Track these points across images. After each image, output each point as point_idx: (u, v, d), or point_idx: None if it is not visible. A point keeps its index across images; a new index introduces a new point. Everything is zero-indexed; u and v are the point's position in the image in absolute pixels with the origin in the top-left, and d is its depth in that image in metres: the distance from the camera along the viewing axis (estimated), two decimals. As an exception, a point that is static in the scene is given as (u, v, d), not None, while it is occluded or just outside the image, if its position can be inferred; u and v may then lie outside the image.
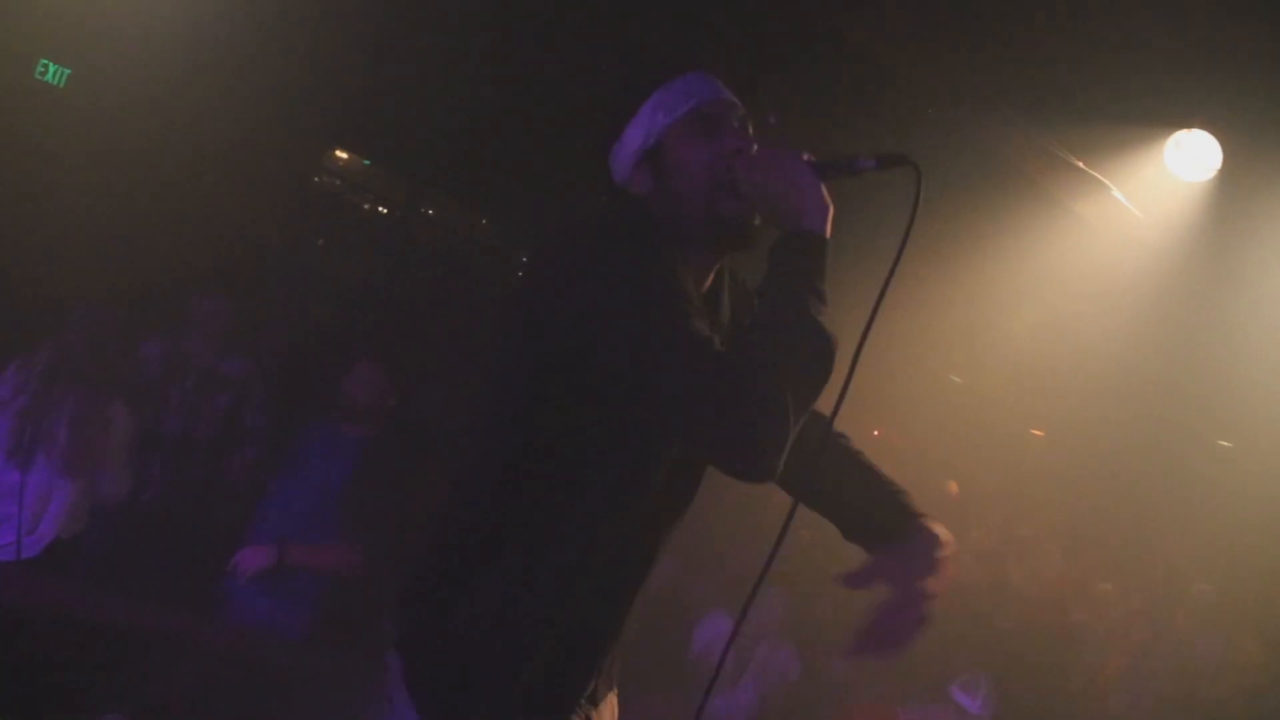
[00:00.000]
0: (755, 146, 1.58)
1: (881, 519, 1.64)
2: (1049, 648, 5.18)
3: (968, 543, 5.60)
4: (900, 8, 3.30)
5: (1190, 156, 3.93)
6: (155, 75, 4.85)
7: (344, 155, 11.68)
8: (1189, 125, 3.91)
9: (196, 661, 3.24)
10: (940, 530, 1.59)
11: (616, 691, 1.74)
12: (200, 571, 3.66)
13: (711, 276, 1.64)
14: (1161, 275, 4.25)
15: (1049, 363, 4.59)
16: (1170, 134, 3.94)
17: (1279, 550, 5.69)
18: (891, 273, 1.48)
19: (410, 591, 1.58)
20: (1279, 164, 3.76)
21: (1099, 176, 4.06)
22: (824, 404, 1.48)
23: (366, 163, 11.75)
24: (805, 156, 1.52)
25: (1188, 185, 3.99)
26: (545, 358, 1.48)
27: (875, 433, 5.57)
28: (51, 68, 5.02)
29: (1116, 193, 4.12)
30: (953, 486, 5.76)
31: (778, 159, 1.51)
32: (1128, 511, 5.75)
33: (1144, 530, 5.76)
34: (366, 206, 11.65)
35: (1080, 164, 4.00)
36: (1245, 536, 5.62)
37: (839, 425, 1.59)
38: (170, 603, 3.45)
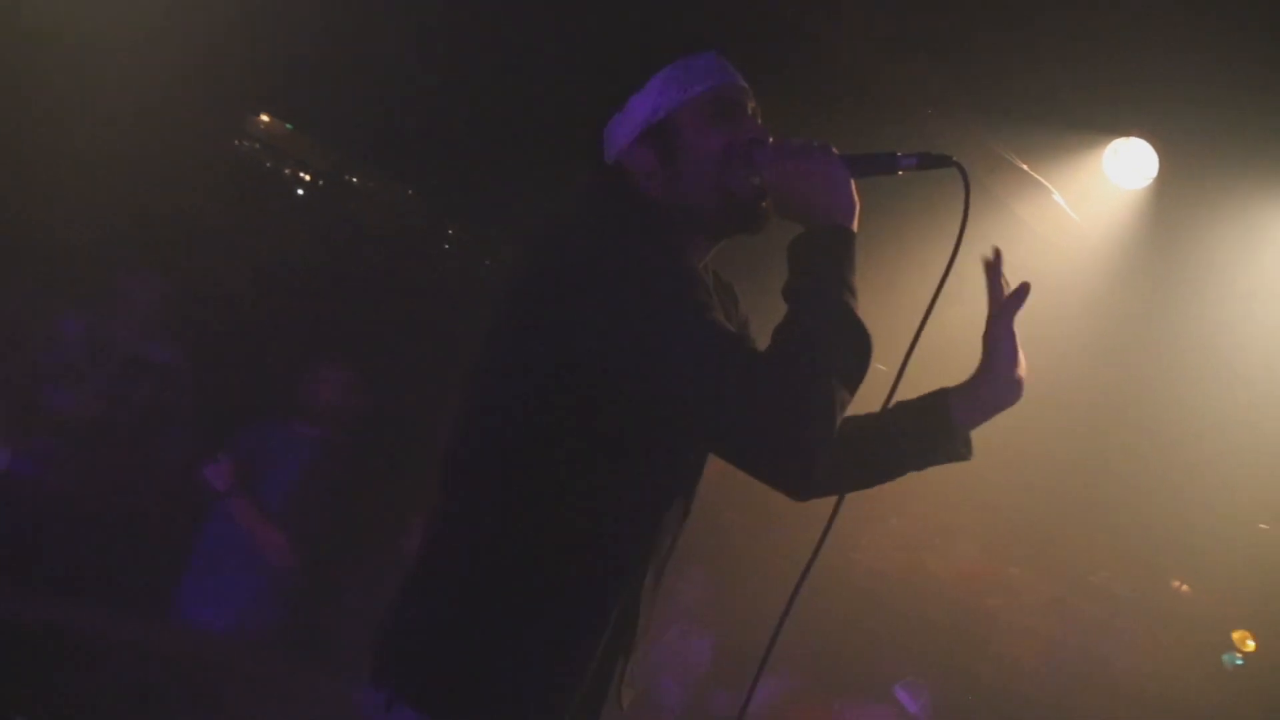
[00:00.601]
0: (771, 138, 1.52)
1: (925, 426, 1.64)
2: (964, 633, 5.37)
3: (887, 531, 5.74)
4: (862, 8, 3.31)
5: (1128, 164, 4.04)
6: (65, 36, 4.57)
7: (266, 119, 11.27)
8: (1127, 134, 4.01)
9: (118, 661, 3.11)
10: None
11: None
12: (119, 565, 3.54)
13: (713, 251, 1.59)
14: (1096, 278, 4.38)
15: (978, 357, 4.66)
16: (1109, 141, 4.04)
17: (1188, 545, 5.98)
18: (946, 274, 1.49)
19: (413, 624, 1.47)
20: (1212, 174, 3.88)
21: (1041, 180, 4.15)
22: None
23: (289, 127, 11.36)
24: (847, 156, 1.48)
25: (1125, 192, 4.11)
26: (559, 361, 1.36)
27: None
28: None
29: (1057, 196, 4.22)
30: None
31: (809, 150, 1.45)
32: (1044, 505, 5.94)
33: (1059, 523, 5.95)
34: (288, 172, 11.29)
35: (1024, 166, 4.07)
36: (1156, 533, 5.86)
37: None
38: (89, 598, 3.33)
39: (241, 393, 4.28)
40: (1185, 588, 8.70)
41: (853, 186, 1.44)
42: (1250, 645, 7.32)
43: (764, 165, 1.47)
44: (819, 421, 1.26)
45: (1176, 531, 6.08)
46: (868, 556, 5.55)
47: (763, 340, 1.36)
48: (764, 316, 1.49)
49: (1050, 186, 4.18)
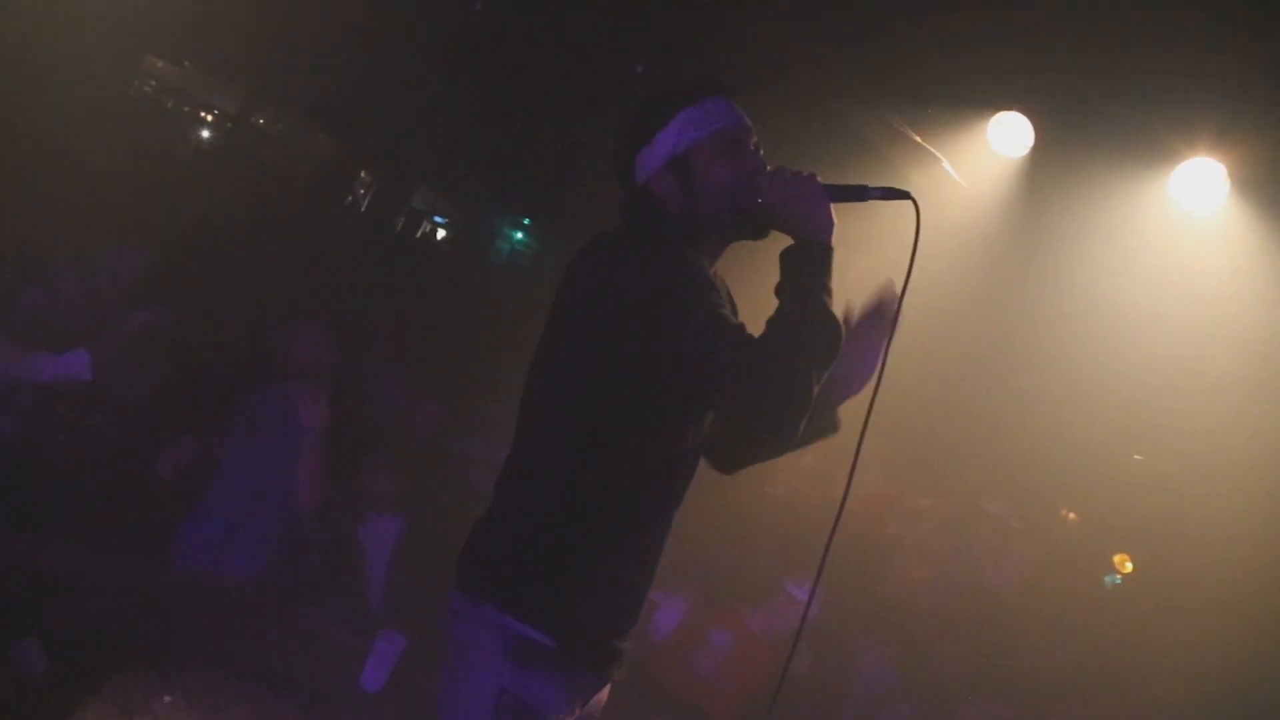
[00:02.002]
0: (768, 166, 1.97)
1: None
2: (868, 556, 5.84)
3: (801, 469, 6.20)
4: (777, 3, 3.73)
5: (1009, 135, 4.59)
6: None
7: (160, 63, 11.04)
8: (1008, 107, 4.55)
9: (120, 598, 3.43)
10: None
11: None
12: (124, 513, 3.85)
13: (719, 262, 2.04)
14: (982, 236, 4.93)
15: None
16: (993, 114, 4.58)
17: (1073, 476, 6.60)
18: (903, 293, 1.95)
19: (495, 537, 1.92)
20: (1081, 144, 4.45)
21: (932, 149, 4.67)
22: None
23: (186, 65, 11.16)
24: (827, 185, 1.90)
25: (1006, 160, 4.67)
26: (616, 344, 1.81)
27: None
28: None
29: (946, 165, 4.75)
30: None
31: (800, 180, 1.89)
32: (941, 440, 6.49)
33: (953, 457, 6.55)
34: (186, 110, 11.14)
35: (917, 138, 4.58)
36: (1043, 466, 6.41)
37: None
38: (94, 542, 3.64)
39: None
40: (1073, 516, 9.43)
41: (831, 210, 1.87)
42: (1129, 567, 8.03)
43: (765, 191, 1.90)
44: (799, 390, 1.71)
45: (1062, 465, 6.67)
46: (781, 491, 6.01)
47: (754, 325, 1.82)
48: (753, 308, 1.94)
49: (940, 156, 4.71)
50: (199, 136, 10.84)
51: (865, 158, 4.64)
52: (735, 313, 2.01)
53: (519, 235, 10.61)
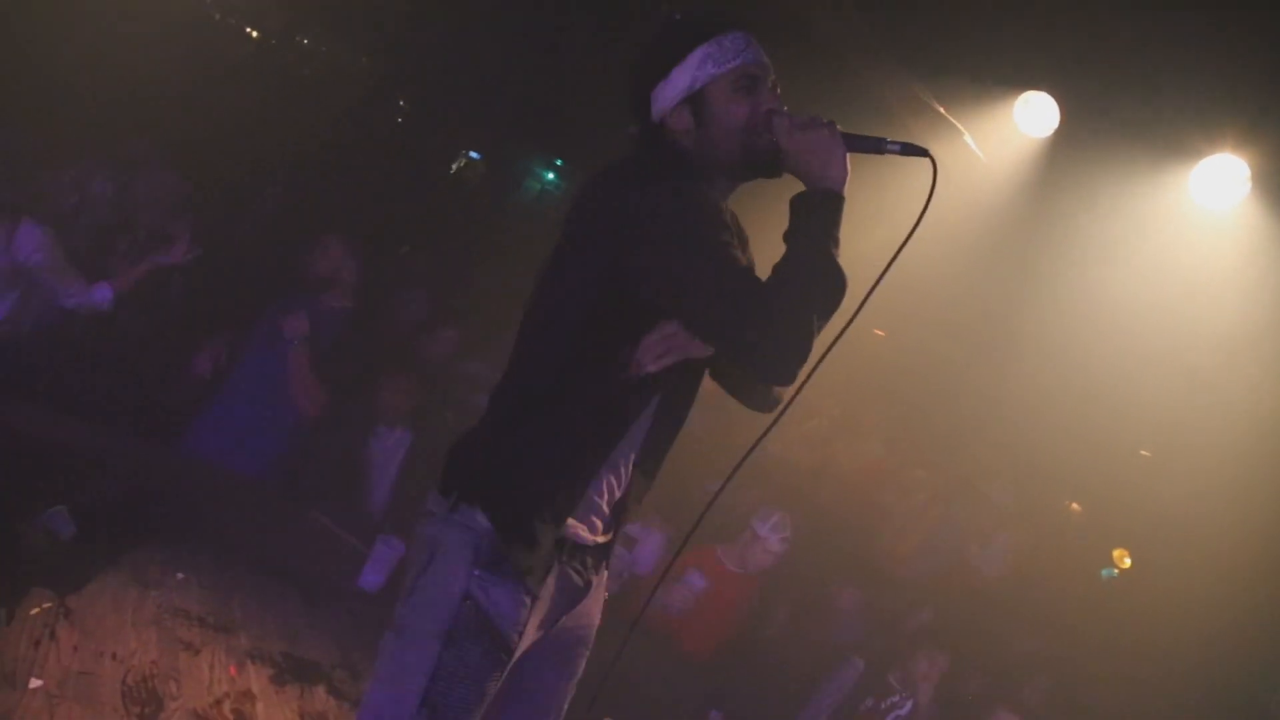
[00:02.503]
0: (785, 108, 1.93)
1: None
2: (859, 520, 6.00)
3: (805, 431, 6.33)
4: None
5: (1034, 115, 4.69)
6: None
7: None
8: (1036, 87, 4.64)
9: (142, 478, 3.69)
10: None
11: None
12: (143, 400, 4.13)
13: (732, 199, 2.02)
14: (998, 217, 5.02)
15: (892, 277, 5.31)
16: (1021, 93, 4.67)
17: (1068, 466, 6.69)
18: (902, 245, 1.90)
19: (477, 435, 1.95)
20: (1105, 131, 4.54)
21: (955, 122, 4.77)
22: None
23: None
24: (834, 126, 1.85)
25: (1029, 140, 4.76)
26: (611, 269, 1.83)
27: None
28: None
29: (968, 138, 4.85)
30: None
31: (818, 126, 1.85)
32: (946, 415, 6.61)
33: (956, 434, 6.62)
34: (233, 22, 11.24)
35: (942, 110, 4.68)
36: (1041, 451, 6.49)
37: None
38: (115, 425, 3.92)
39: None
40: (1076, 506, 9.52)
41: (847, 159, 1.83)
42: (1127, 563, 8.12)
43: (780, 132, 1.86)
44: (800, 331, 1.72)
45: (1066, 453, 6.73)
46: (780, 448, 6.13)
47: (763, 267, 1.86)
48: (767, 250, 1.91)
49: (963, 129, 4.81)
50: (243, 51, 10.95)
51: (886, 124, 4.72)
52: (745, 250, 2.02)
53: (550, 175, 10.74)
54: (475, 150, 11.38)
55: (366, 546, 3.99)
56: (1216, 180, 4.60)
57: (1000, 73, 4.54)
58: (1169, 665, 5.89)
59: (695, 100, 1.92)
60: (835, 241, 1.80)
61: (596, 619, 2.13)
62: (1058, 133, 4.70)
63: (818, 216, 1.81)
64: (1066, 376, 6.31)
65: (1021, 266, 5.32)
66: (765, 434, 2.04)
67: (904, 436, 6.66)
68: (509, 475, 1.89)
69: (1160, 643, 5.97)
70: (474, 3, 7.51)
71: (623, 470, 2.00)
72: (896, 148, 1.89)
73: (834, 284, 1.77)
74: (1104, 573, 7.92)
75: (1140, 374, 6.01)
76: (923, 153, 1.90)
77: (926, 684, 4.25)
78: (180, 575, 3.32)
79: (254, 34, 11.14)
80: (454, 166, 10.40)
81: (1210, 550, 6.30)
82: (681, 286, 1.78)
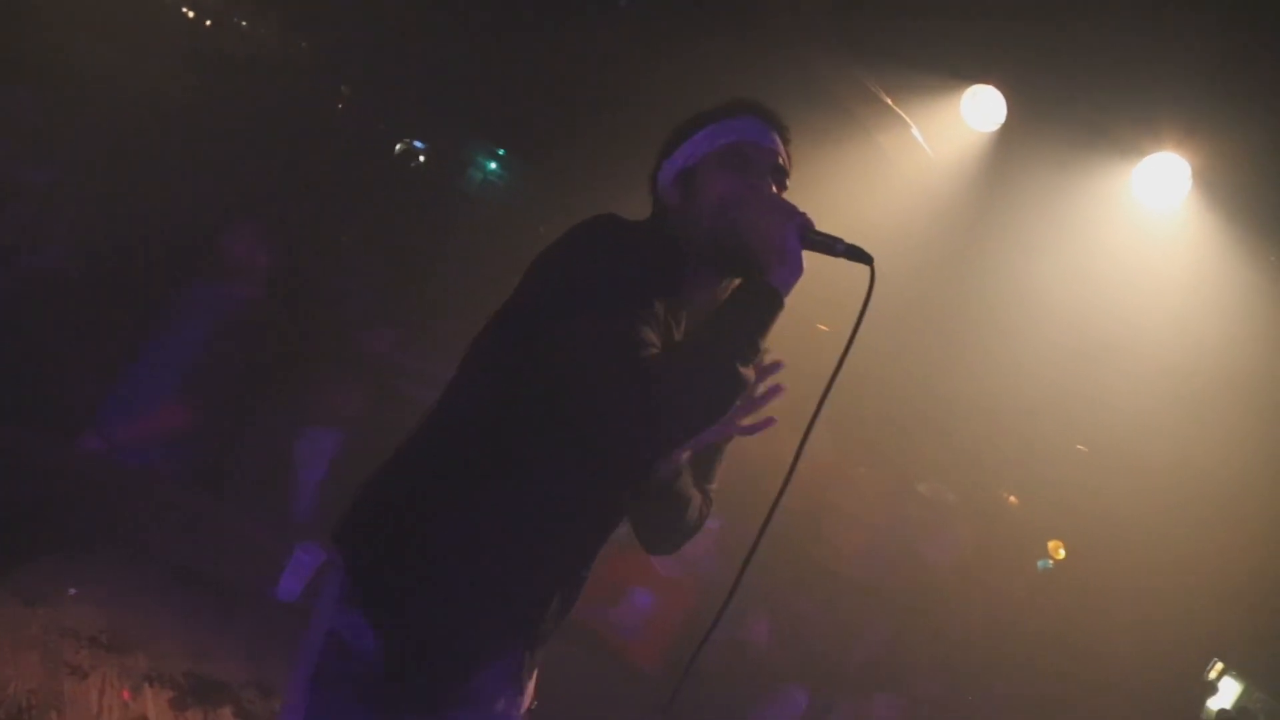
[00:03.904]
0: (771, 189, 1.73)
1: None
2: (806, 518, 5.87)
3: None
4: None
5: (981, 108, 4.55)
6: None
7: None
8: (983, 80, 4.51)
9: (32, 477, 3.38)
10: None
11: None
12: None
13: (717, 293, 1.75)
14: (943, 211, 4.90)
15: (834, 272, 5.17)
16: (968, 86, 4.53)
17: (1016, 461, 6.65)
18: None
19: (376, 500, 1.67)
20: (1051, 126, 4.43)
21: (902, 114, 4.62)
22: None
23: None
24: (801, 219, 1.64)
25: (975, 134, 4.63)
26: (528, 320, 1.61)
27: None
28: None
29: (915, 131, 4.70)
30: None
31: (774, 209, 1.65)
32: (886, 410, 6.52)
33: (900, 430, 6.51)
34: (167, 2, 10.82)
35: (889, 101, 4.53)
36: (984, 447, 6.45)
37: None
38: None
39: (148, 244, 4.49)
40: (1013, 499, 9.55)
41: (800, 255, 1.61)
42: (1061, 554, 8.16)
43: (741, 210, 1.65)
44: (660, 427, 1.48)
45: (1007, 449, 6.72)
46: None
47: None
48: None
49: (910, 122, 4.66)
50: (178, 32, 10.52)
51: (833, 114, 4.58)
52: (663, 331, 1.66)
53: (492, 165, 10.47)
54: (419, 140, 11.09)
55: (287, 553, 3.74)
56: (1159, 178, 4.51)
57: (948, 65, 4.39)
58: (1102, 658, 5.89)
59: (686, 175, 1.76)
60: (754, 347, 1.56)
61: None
62: (1004, 127, 4.58)
63: (743, 311, 1.58)
64: (1008, 371, 6.23)
65: (964, 261, 5.21)
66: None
67: (848, 433, 6.56)
68: (401, 565, 1.62)
69: (1094, 635, 5.98)
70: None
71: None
72: (843, 250, 1.69)
73: (723, 392, 1.53)
74: (1040, 564, 7.98)
75: (1080, 369, 5.96)
76: (867, 259, 1.70)
77: None
78: (72, 590, 3.04)
79: (190, 14, 10.74)
80: (396, 148, 10.09)
81: (1146, 543, 6.34)
82: (569, 343, 1.54)
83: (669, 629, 4.35)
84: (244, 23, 11.11)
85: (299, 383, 4.38)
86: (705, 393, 1.51)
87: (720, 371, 1.52)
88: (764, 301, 1.58)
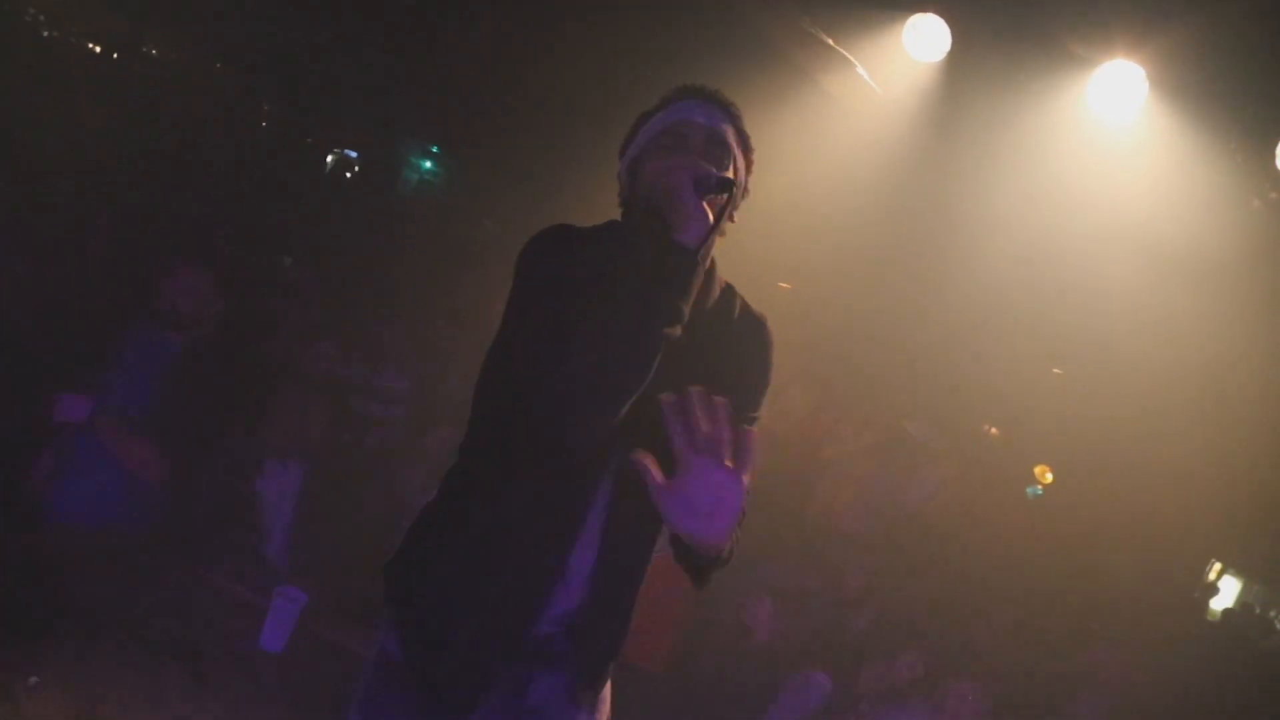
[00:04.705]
0: (696, 159, 1.71)
1: None
2: (798, 479, 5.70)
3: (782, 410, 5.97)
4: None
5: (924, 38, 4.34)
6: None
7: (31, -16, 10.24)
8: (923, 9, 4.29)
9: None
10: None
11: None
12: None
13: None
14: (896, 148, 4.70)
15: (796, 226, 4.96)
16: (908, 17, 4.32)
17: (993, 393, 6.54)
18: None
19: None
20: (998, 48, 4.23)
21: (845, 53, 4.40)
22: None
23: (71, -9, 10.41)
24: (700, 174, 1.65)
25: (921, 65, 4.42)
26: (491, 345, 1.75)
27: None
28: None
29: (860, 69, 4.48)
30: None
31: (674, 170, 1.67)
32: (859, 358, 6.37)
33: (875, 380, 6.35)
34: (72, 40, 10.37)
35: (829, 41, 4.30)
36: (959, 384, 6.35)
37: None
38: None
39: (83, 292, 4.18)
40: (995, 431, 9.50)
41: (699, 205, 1.61)
42: (1049, 478, 8.10)
43: (648, 187, 1.71)
44: (581, 396, 1.53)
45: (982, 382, 6.58)
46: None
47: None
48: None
49: (854, 60, 4.45)
50: (85, 67, 10.06)
51: (773, 64, 4.35)
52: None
53: (427, 164, 10.16)
54: (351, 150, 10.75)
55: (265, 601, 3.48)
56: (1114, 88, 4.33)
57: (885, -4, 4.17)
58: (1104, 577, 5.81)
59: (633, 165, 1.81)
60: (672, 303, 1.57)
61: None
62: (950, 55, 4.37)
63: (658, 270, 1.59)
64: (977, 303, 6.12)
65: (924, 196, 5.04)
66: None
67: (825, 388, 6.41)
68: (411, 582, 1.80)
69: (1093, 555, 5.91)
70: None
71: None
72: (716, 182, 1.68)
73: (637, 353, 1.55)
74: (1029, 491, 7.93)
75: (1050, 293, 5.85)
76: (727, 185, 1.68)
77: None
78: (33, 680, 2.76)
79: (95, 49, 10.29)
80: (328, 161, 9.76)
81: (1130, 458, 6.29)
82: (504, 329, 1.71)
83: (668, 623, 4.12)
84: (154, 50, 10.68)
85: (253, 415, 4.11)
86: (617, 353, 1.53)
87: (628, 329, 1.54)
88: (670, 257, 1.59)
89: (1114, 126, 4.47)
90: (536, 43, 5.46)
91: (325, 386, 4.39)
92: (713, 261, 1.79)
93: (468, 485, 1.75)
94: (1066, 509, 6.46)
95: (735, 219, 1.79)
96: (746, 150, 1.81)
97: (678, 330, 1.57)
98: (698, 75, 1.89)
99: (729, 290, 1.83)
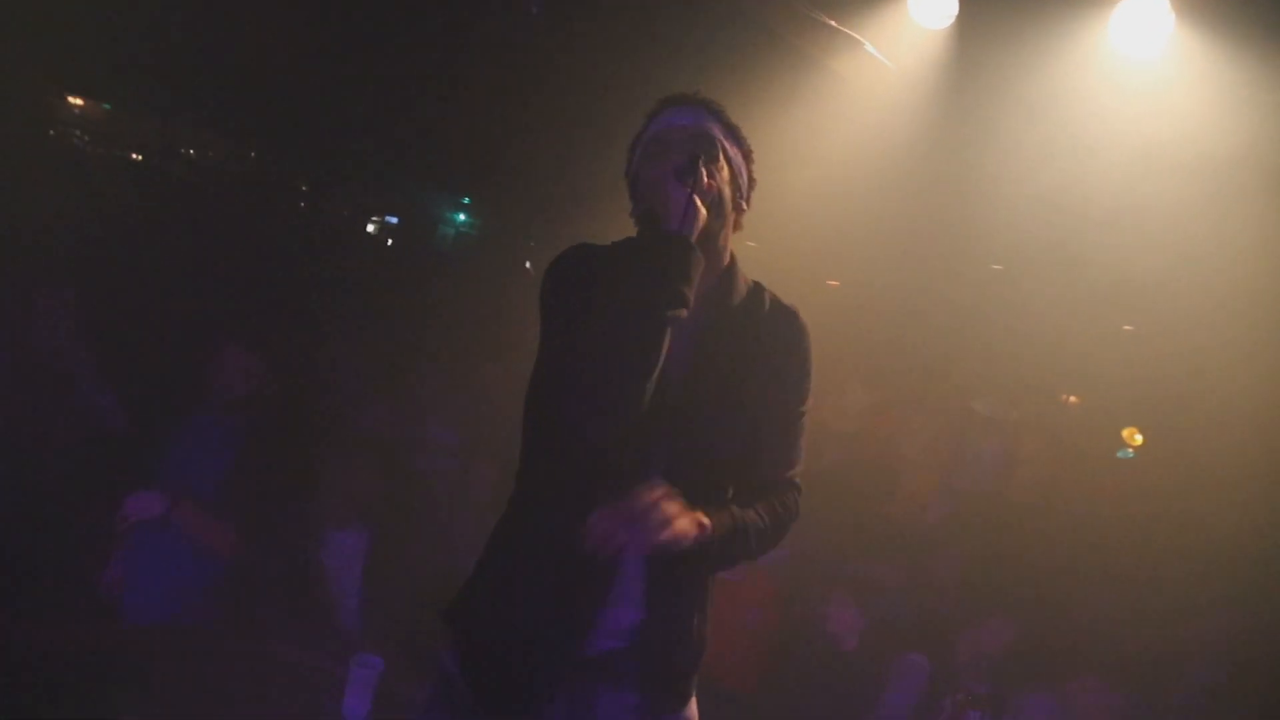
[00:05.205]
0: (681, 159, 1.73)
1: None
2: (874, 477, 5.50)
3: (847, 406, 5.81)
4: None
5: (931, 4, 4.18)
6: None
7: (79, 102, 10.69)
8: (928, -27, 4.13)
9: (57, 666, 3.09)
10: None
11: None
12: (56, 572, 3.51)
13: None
14: (917, 119, 4.52)
15: (831, 218, 4.81)
16: (910, -17, 4.16)
17: (1056, 361, 6.27)
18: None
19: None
20: (1007, 7, 4.05)
21: (849, 31, 4.26)
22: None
23: (106, 107, 10.81)
24: (679, 165, 1.68)
25: (930, 33, 4.26)
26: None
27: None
28: None
29: (868, 45, 4.34)
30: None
31: (652, 168, 1.73)
32: (918, 342, 6.16)
33: (934, 357, 6.16)
34: (117, 154, 10.73)
35: (831, 21, 4.17)
36: (1024, 354, 6.09)
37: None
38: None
39: (147, 384, 4.24)
40: (1074, 399, 9.16)
41: (687, 196, 1.64)
42: (1138, 439, 7.76)
43: (643, 194, 1.78)
44: (593, 397, 1.59)
45: (1050, 349, 6.33)
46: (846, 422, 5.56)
47: None
48: None
49: (859, 37, 4.30)
50: (130, 175, 10.40)
51: (776, 52, 4.23)
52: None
53: (461, 217, 10.24)
54: (391, 215, 10.91)
55: (343, 670, 3.40)
56: (1137, 21, 4.10)
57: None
58: (1207, 534, 5.47)
59: (633, 180, 1.86)
60: (673, 290, 1.60)
61: None
62: (960, 18, 4.20)
63: (653, 261, 1.62)
64: (1027, 267, 5.89)
65: (950, 165, 4.84)
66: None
67: (887, 381, 6.20)
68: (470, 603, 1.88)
69: (1193, 513, 5.58)
70: (340, 63, 7.00)
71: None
72: (683, 167, 1.72)
73: (641, 343, 1.59)
74: (1120, 454, 7.64)
75: (1097, 247, 5.57)
76: (694, 162, 1.71)
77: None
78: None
79: (137, 158, 10.63)
80: (370, 229, 9.92)
81: (1217, 409, 5.97)
82: (539, 356, 1.78)
83: (753, 639, 3.94)
84: (191, 151, 11.00)
85: (311, 485, 4.08)
86: (622, 339, 1.57)
87: (630, 316, 1.57)
88: (661, 247, 1.61)
89: (1139, 62, 4.24)
90: (542, 63, 5.43)
91: (376, 447, 4.36)
92: (733, 258, 1.83)
93: (520, 510, 1.80)
94: (1159, 470, 6.20)
95: (750, 206, 1.84)
96: (737, 141, 1.83)
97: (682, 313, 1.60)
98: (709, 78, 1.95)
99: (757, 288, 1.86)
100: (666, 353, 1.63)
